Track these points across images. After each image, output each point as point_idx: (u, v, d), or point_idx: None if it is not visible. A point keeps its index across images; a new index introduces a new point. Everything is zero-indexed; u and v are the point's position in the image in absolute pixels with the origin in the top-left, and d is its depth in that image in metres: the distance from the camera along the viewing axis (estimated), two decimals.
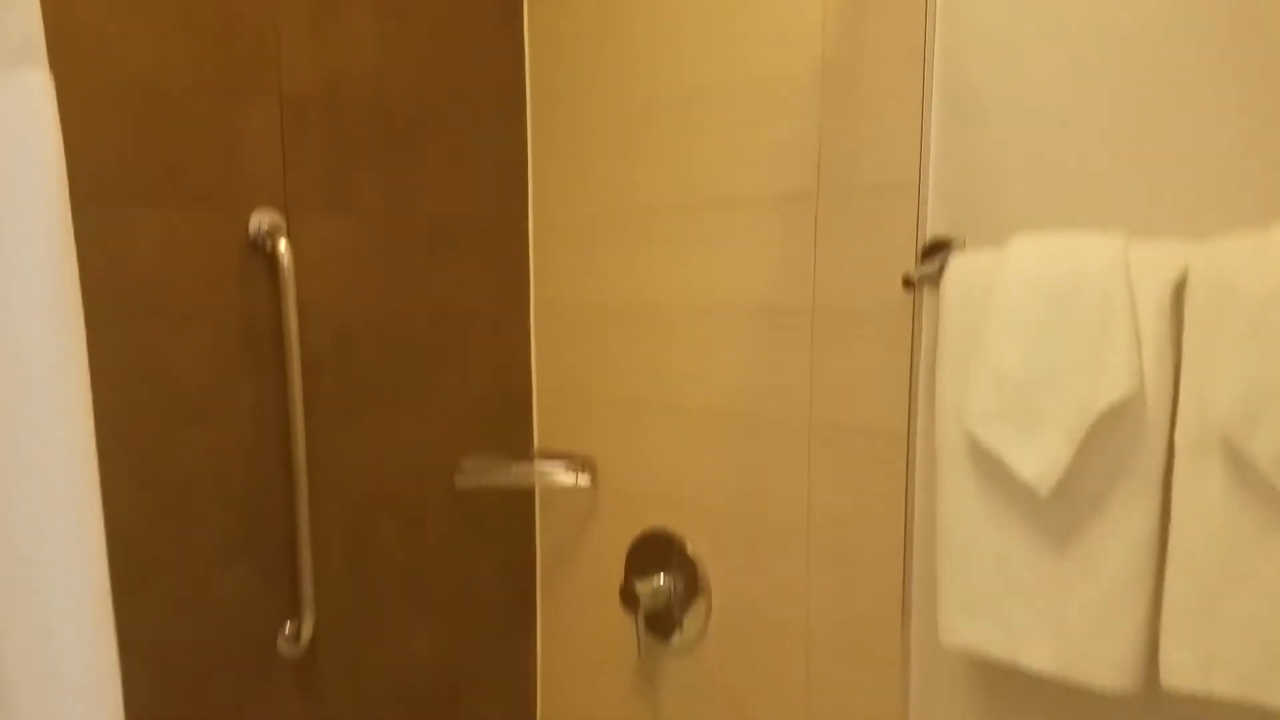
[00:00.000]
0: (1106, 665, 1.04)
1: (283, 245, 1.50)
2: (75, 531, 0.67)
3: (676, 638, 1.69)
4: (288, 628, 1.63)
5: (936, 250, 1.22)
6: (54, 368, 0.64)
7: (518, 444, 1.93)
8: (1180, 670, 0.98)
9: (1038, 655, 1.10)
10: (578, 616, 1.92)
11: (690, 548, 1.66)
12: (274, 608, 1.62)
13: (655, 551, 1.72)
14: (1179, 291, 0.97)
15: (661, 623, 1.72)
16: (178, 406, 1.47)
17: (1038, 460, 1.05)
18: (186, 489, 1.49)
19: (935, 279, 1.20)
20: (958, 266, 1.15)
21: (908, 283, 1.21)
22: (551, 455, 1.91)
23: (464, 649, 1.89)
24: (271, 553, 1.60)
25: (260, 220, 1.51)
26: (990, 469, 1.12)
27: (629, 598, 1.68)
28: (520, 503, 1.95)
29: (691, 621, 1.66)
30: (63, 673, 0.67)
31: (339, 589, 1.70)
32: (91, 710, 0.68)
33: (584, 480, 1.83)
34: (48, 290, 0.63)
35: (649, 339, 1.68)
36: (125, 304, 1.41)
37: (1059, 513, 1.07)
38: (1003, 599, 1.13)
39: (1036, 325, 1.05)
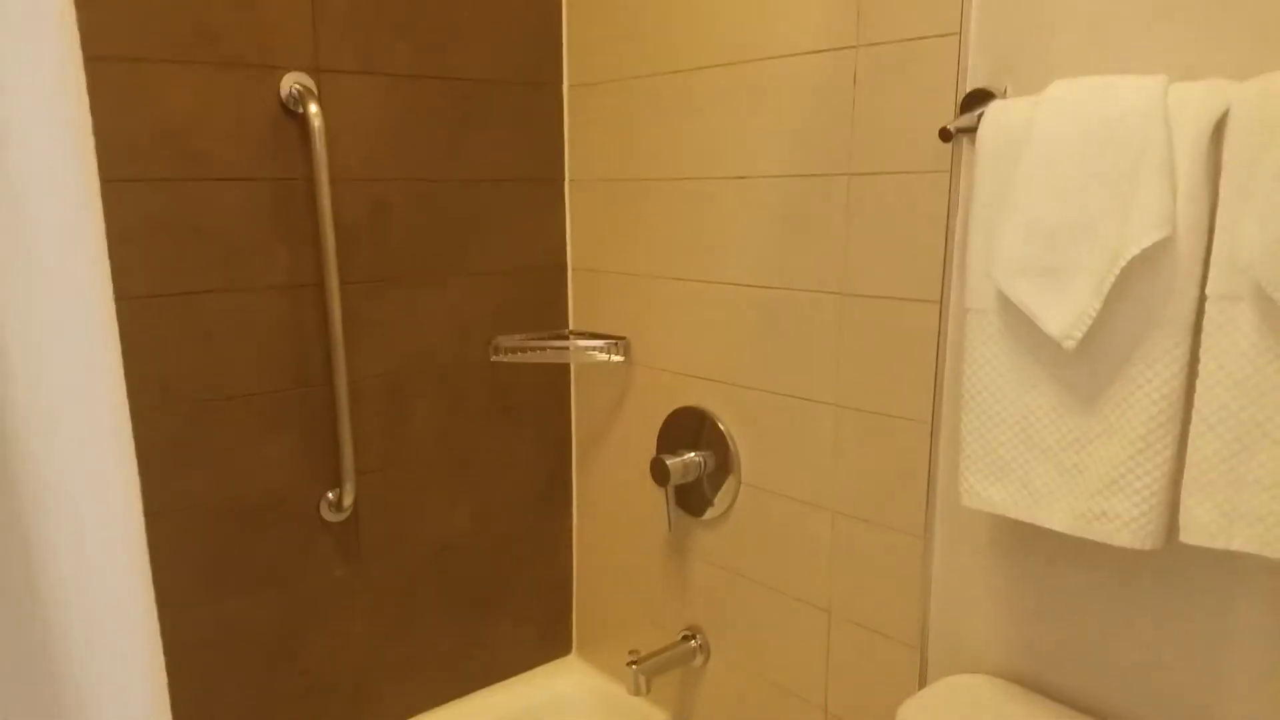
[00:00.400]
0: (1125, 523, 1.03)
1: (314, 108, 1.50)
2: (92, 386, 0.65)
3: (708, 512, 1.71)
4: (330, 494, 1.68)
5: (977, 101, 1.17)
6: (63, 183, 0.63)
7: (552, 320, 1.93)
8: (1200, 527, 0.96)
9: (1057, 515, 1.09)
10: (612, 492, 1.94)
11: (721, 424, 1.66)
12: (316, 474, 1.66)
13: (687, 428, 1.72)
14: (1218, 131, 0.92)
15: (693, 497, 1.73)
16: (216, 269, 1.49)
17: (1065, 312, 1.02)
18: (226, 352, 1.52)
19: (974, 131, 1.15)
20: (993, 113, 1.10)
21: (945, 135, 1.17)
22: (586, 332, 1.91)
23: (502, 521, 1.93)
24: (313, 420, 1.64)
25: (291, 83, 1.51)
26: (1017, 326, 1.10)
27: (660, 473, 1.69)
28: (555, 380, 1.97)
29: (722, 497, 1.68)
30: (89, 530, 0.66)
31: (379, 460, 1.74)
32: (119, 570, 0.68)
33: (618, 357, 1.84)
34: (57, 94, 0.62)
35: (684, 211, 1.66)
36: (160, 163, 1.42)
37: (1084, 368, 1.04)
38: (1024, 459, 1.12)
39: (1070, 171, 1.01)
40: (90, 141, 0.70)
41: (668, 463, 1.68)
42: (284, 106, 1.51)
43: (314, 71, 1.53)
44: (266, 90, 1.50)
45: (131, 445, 0.66)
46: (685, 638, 1.79)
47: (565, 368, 1.98)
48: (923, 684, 1.41)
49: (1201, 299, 0.95)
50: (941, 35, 1.23)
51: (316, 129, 1.50)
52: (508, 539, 1.95)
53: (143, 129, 1.40)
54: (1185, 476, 0.97)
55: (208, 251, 1.48)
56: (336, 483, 1.68)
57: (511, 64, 1.77)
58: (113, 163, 1.38)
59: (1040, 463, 1.10)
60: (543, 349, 1.87)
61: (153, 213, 1.42)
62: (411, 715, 1.88)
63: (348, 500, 1.67)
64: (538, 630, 2.05)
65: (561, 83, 1.85)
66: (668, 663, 1.77)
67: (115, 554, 0.66)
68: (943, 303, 1.30)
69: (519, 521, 1.96)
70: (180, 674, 1.57)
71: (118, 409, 0.65)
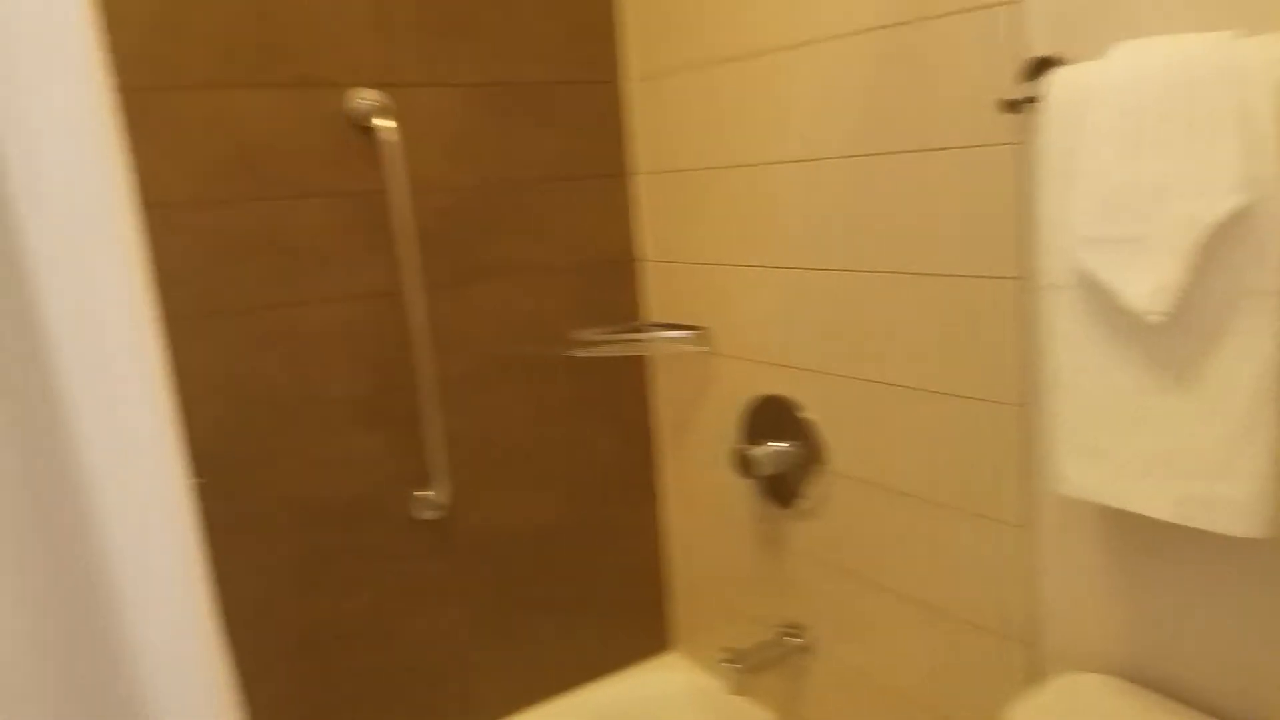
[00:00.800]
0: (1233, 509, 0.95)
1: (383, 122, 1.53)
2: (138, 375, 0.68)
3: (798, 503, 1.67)
4: (421, 493, 1.71)
5: (1040, 70, 1.10)
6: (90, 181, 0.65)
7: (629, 312, 1.93)
8: None
9: (1155, 501, 1.02)
10: (700, 484, 1.93)
11: (805, 412, 1.62)
12: (406, 474, 1.71)
13: (769, 417, 1.69)
14: None
15: (782, 488, 1.70)
16: (299, 278, 1.54)
17: (1147, 285, 0.95)
18: (317, 360, 1.58)
19: (1039, 101, 1.09)
20: (1058, 81, 1.04)
21: (1009, 105, 1.11)
22: (664, 324, 1.89)
23: (591, 514, 1.94)
24: (402, 420, 1.68)
25: (361, 99, 1.54)
26: (1099, 300, 1.03)
27: (743, 465, 1.66)
28: (635, 372, 1.96)
29: (811, 487, 1.64)
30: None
31: (465, 458, 1.77)
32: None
33: (697, 348, 1.82)
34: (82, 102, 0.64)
35: (752, 197, 1.63)
36: (239, 182, 1.47)
37: (1176, 343, 0.97)
38: (1117, 443, 1.05)
39: (1142, 136, 0.94)
40: (119, 152, 0.72)
41: (751, 453, 1.66)
42: (355, 122, 1.55)
43: (383, 86, 1.57)
44: (337, 107, 1.53)
45: (180, 450, 0.69)
46: (786, 634, 1.76)
47: (643, 360, 1.97)
48: (1033, 682, 1.34)
49: None
50: (1000, 4, 1.17)
51: (388, 143, 1.53)
52: (596, 534, 1.96)
53: (224, 152, 1.46)
54: None
55: (294, 266, 1.54)
56: (426, 481, 1.72)
57: (575, 63, 1.78)
58: (198, 186, 1.44)
59: (1134, 446, 1.03)
60: (621, 341, 1.86)
61: (238, 231, 1.48)
62: (509, 713, 1.90)
63: (439, 496, 1.70)
64: (635, 626, 2.05)
65: (625, 78, 1.85)
66: (766, 661, 1.74)
67: (174, 559, 0.69)
68: (1021, 279, 1.23)
69: (608, 513, 1.97)
70: (273, 675, 1.62)
71: (167, 415, 0.68)
